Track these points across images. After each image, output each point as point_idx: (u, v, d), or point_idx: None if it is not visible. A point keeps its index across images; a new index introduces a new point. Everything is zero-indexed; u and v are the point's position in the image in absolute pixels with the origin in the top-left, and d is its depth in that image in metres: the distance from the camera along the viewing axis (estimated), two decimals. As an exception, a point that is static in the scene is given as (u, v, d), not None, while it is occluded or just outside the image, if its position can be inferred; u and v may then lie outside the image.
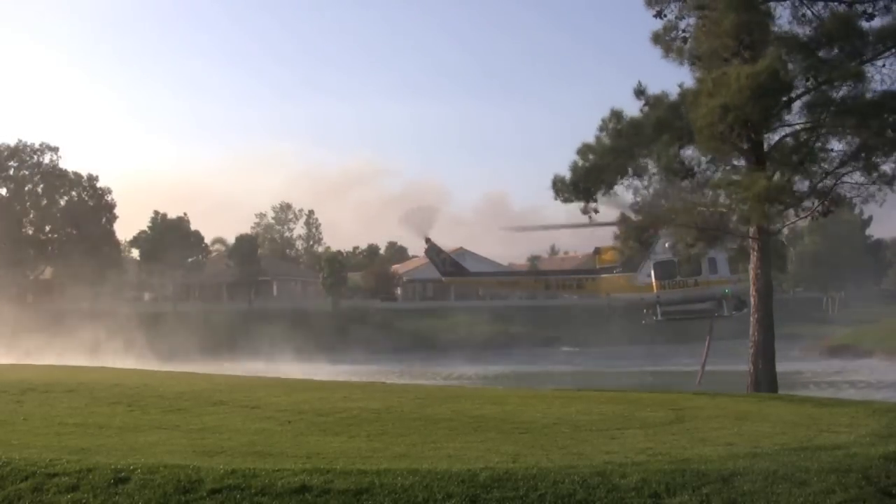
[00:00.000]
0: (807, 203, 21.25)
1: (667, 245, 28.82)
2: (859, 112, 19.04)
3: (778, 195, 18.88)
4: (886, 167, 19.76)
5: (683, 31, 21.66)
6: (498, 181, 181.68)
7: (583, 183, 21.12)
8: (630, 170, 21.56)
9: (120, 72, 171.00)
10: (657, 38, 21.93)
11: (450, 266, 30.65)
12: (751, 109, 18.28)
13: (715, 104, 18.36)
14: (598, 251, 28.46)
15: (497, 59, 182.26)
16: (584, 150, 21.23)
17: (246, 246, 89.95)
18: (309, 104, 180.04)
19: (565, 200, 21.64)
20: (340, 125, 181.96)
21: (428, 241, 30.33)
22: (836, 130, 19.93)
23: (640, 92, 21.37)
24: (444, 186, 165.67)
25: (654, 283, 32.46)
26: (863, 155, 19.84)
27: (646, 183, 22.18)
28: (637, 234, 23.92)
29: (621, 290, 28.54)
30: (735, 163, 21.26)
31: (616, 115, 21.05)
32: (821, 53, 19.99)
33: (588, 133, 21.96)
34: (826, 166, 20.59)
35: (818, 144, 20.49)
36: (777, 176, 20.41)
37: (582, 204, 21.55)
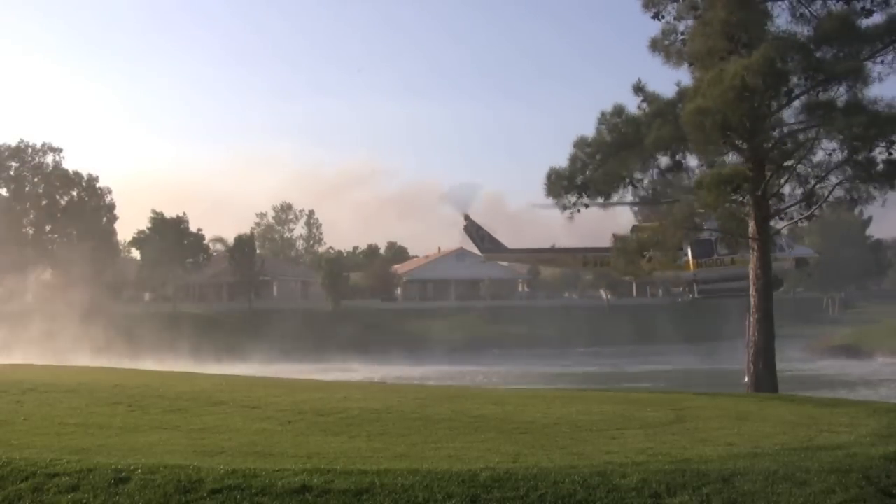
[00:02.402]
0: (805, 205, 21.28)
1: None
2: (857, 111, 19.02)
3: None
4: (883, 166, 19.73)
5: (682, 33, 21.67)
6: (495, 181, 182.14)
7: (578, 176, 21.02)
8: (625, 173, 21.52)
9: (119, 72, 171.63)
10: (655, 45, 21.89)
11: (488, 242, 30.70)
12: (732, 110, 18.23)
13: (696, 106, 18.36)
14: (635, 229, 28.37)
15: (495, 60, 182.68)
16: (580, 144, 21.15)
17: (245, 246, 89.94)
18: (307, 104, 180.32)
19: (557, 197, 21.45)
20: (339, 125, 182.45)
21: (467, 217, 30.42)
22: (833, 130, 19.90)
23: (638, 89, 21.29)
24: (442, 186, 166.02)
25: (690, 262, 32.38)
26: (859, 155, 19.81)
27: (642, 179, 22.19)
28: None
29: (658, 268, 28.18)
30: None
31: (618, 109, 20.98)
32: (819, 53, 19.98)
33: (585, 135, 21.78)
34: (823, 167, 20.59)
35: (815, 145, 20.48)
36: (773, 177, 20.42)
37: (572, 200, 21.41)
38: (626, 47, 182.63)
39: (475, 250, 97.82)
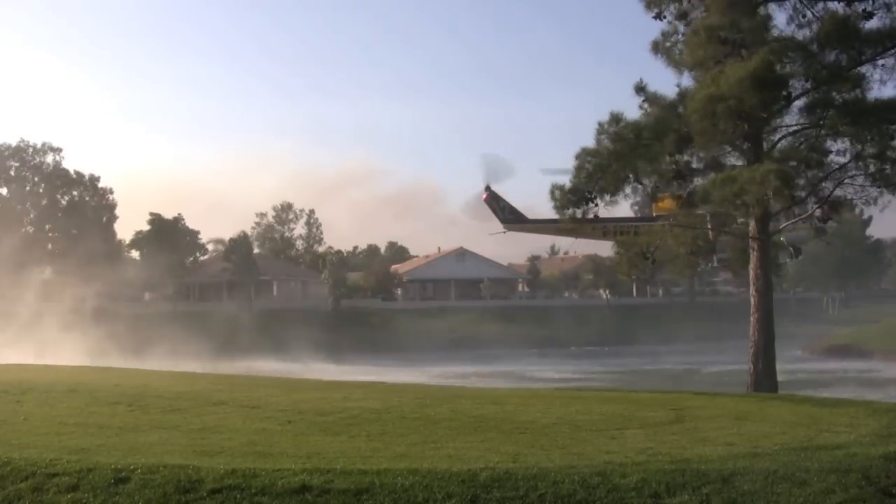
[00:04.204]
0: (805, 207, 21.27)
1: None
2: (859, 115, 19.00)
3: (782, 178, 18.66)
4: (887, 170, 19.67)
5: (683, 33, 21.67)
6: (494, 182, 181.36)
7: (584, 189, 21.05)
8: (630, 175, 21.54)
9: (118, 72, 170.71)
10: (657, 47, 21.92)
11: (509, 213, 30.63)
12: (746, 98, 18.19)
13: (706, 93, 18.31)
14: (655, 199, 28.52)
15: (494, 59, 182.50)
16: (582, 156, 21.14)
17: (241, 246, 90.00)
18: (306, 104, 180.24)
19: (563, 208, 21.56)
20: (337, 125, 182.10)
21: (488, 188, 30.41)
22: (835, 132, 19.89)
23: (640, 88, 21.28)
24: (440, 186, 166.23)
25: (709, 231, 32.27)
26: (863, 158, 19.79)
27: (646, 184, 22.22)
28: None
29: (670, 238, 28.09)
30: (734, 164, 21.25)
31: (615, 118, 20.95)
32: (819, 55, 19.96)
33: (586, 135, 21.87)
34: (825, 168, 20.58)
35: (817, 146, 20.46)
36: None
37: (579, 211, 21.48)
38: (630, 43, 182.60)
39: (475, 250, 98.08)
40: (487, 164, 30.10)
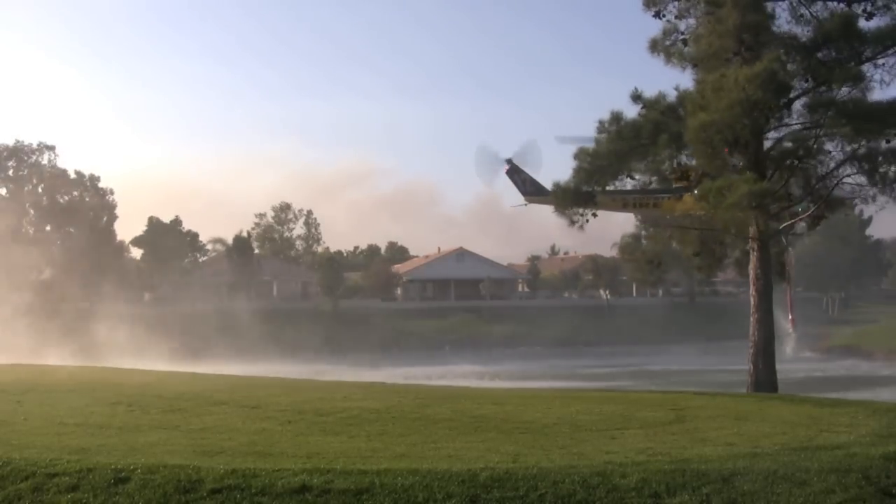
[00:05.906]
0: (804, 205, 21.28)
1: None
2: (859, 114, 18.98)
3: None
4: (886, 169, 19.65)
5: (683, 32, 21.65)
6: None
7: (584, 187, 21.12)
8: (628, 174, 21.62)
9: (115, 73, 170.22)
10: (655, 46, 21.88)
11: (530, 186, 30.70)
12: (740, 127, 18.27)
13: (701, 121, 18.34)
14: (674, 171, 28.63)
15: (494, 59, 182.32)
16: (582, 155, 21.19)
17: (241, 246, 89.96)
18: (305, 104, 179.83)
19: (562, 208, 21.66)
20: (336, 125, 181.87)
21: (509, 161, 30.47)
22: (835, 132, 19.87)
23: (636, 97, 21.28)
24: (437, 187, 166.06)
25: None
26: (862, 157, 19.78)
27: (645, 183, 22.28)
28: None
29: (696, 209, 28.09)
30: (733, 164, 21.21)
31: (616, 117, 20.97)
32: (819, 54, 19.95)
33: (585, 134, 21.80)
34: (824, 167, 20.58)
35: (816, 145, 20.45)
36: (775, 177, 20.38)
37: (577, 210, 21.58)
38: (628, 46, 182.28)
39: (475, 250, 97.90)
40: (522, 153, 30.01)
